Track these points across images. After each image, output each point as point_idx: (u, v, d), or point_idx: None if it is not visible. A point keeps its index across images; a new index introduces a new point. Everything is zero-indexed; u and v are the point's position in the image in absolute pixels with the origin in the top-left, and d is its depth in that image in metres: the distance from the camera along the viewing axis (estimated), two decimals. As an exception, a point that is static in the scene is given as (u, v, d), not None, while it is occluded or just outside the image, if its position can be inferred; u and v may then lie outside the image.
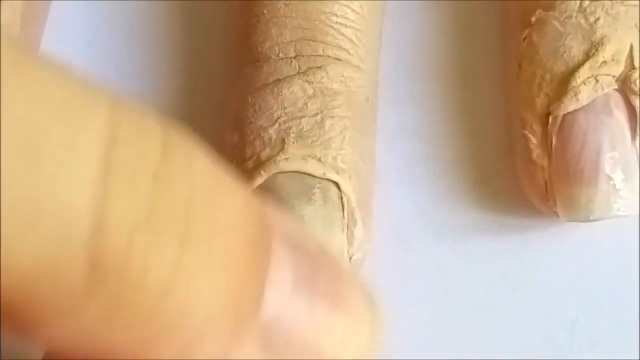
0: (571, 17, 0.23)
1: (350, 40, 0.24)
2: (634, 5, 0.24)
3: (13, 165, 0.13)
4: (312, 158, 0.23)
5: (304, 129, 0.23)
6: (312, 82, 0.23)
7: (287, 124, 0.23)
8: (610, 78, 0.23)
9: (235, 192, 0.16)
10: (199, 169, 0.16)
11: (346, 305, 0.18)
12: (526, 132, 0.24)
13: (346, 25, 0.24)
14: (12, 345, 0.24)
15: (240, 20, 0.25)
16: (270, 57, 0.24)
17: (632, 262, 0.24)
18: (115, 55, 0.27)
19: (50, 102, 0.14)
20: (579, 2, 0.24)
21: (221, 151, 0.17)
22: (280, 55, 0.24)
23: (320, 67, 0.23)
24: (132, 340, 0.15)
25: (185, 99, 0.23)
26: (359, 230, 0.23)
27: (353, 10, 0.24)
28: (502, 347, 0.24)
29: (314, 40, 0.24)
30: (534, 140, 0.23)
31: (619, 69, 0.23)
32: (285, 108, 0.23)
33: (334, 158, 0.23)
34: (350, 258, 0.23)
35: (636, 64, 0.23)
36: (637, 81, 0.23)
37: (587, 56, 0.23)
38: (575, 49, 0.23)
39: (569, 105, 0.23)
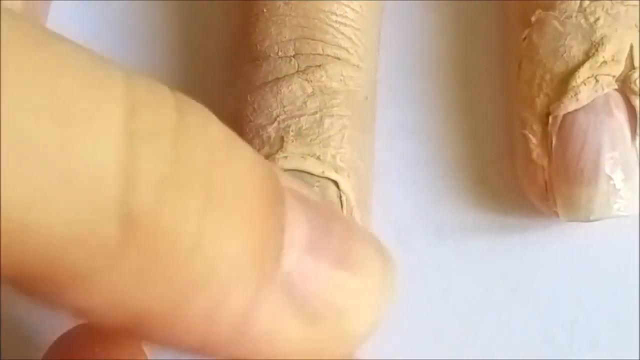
0: (571, 17, 0.23)
1: (350, 39, 0.24)
2: (634, 5, 0.24)
3: (44, 129, 0.14)
4: (311, 156, 0.23)
5: (303, 128, 0.23)
6: (312, 81, 0.23)
7: (286, 123, 0.23)
8: (610, 78, 0.23)
9: (247, 150, 0.17)
10: (213, 130, 0.16)
11: (358, 264, 0.18)
12: (526, 132, 0.24)
13: (345, 24, 0.24)
14: (12, 345, 0.24)
15: (239, 18, 0.25)
16: (270, 55, 0.24)
17: (632, 262, 0.24)
18: (115, 55, 0.27)
19: (73, 70, 0.15)
20: (579, 2, 0.24)
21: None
22: (280, 53, 0.24)
23: (319, 66, 0.23)
24: (165, 295, 0.16)
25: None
26: (358, 229, 0.23)
27: (352, 9, 0.24)
28: (502, 347, 0.24)
29: (313, 39, 0.24)
30: (534, 140, 0.23)
31: (619, 69, 0.23)
32: (284, 106, 0.23)
33: (333, 157, 0.23)
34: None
35: (636, 64, 0.23)
36: (637, 81, 0.23)
37: (587, 56, 0.23)
38: (575, 49, 0.23)
39: (569, 105, 0.23)
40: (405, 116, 0.26)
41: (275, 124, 0.23)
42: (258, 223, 0.17)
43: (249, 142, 0.23)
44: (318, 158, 0.23)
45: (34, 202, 0.14)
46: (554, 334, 0.24)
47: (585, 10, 0.23)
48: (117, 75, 0.15)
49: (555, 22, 0.24)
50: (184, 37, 0.27)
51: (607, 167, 0.22)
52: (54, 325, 0.22)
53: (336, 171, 0.23)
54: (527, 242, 0.25)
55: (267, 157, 0.22)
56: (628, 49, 0.23)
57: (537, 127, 0.23)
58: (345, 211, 0.22)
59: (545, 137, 0.23)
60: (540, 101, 0.23)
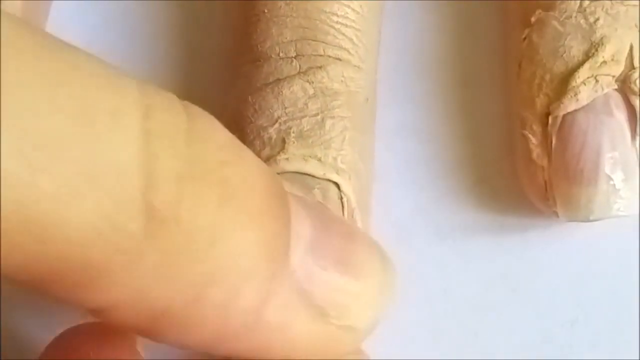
0: (571, 17, 0.23)
1: (351, 40, 0.24)
2: (634, 5, 0.23)
3: (69, 127, 0.15)
4: (313, 158, 0.23)
5: (305, 129, 0.23)
6: (313, 82, 0.23)
7: (287, 124, 0.23)
8: (610, 78, 0.23)
9: (251, 152, 0.18)
10: (221, 132, 0.17)
11: (358, 264, 0.19)
12: (526, 132, 0.24)
13: (346, 25, 0.24)
14: (12, 345, 0.24)
15: (240, 19, 0.25)
16: (271, 56, 0.24)
17: (632, 262, 0.24)
18: (115, 55, 0.27)
19: (92, 75, 0.15)
20: (578, 2, 0.24)
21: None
22: (281, 54, 0.24)
23: (320, 67, 0.23)
24: (183, 289, 0.16)
25: (184, 98, 0.23)
26: (358, 230, 0.23)
27: (353, 10, 0.24)
28: (502, 347, 0.24)
29: (314, 40, 0.24)
30: (534, 140, 0.23)
31: (618, 69, 0.23)
32: (285, 108, 0.23)
33: (334, 158, 0.23)
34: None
35: (636, 64, 0.23)
36: (637, 81, 0.23)
37: (587, 56, 0.23)
38: (575, 49, 0.23)
39: (569, 105, 0.23)
40: (405, 116, 0.26)
41: (277, 125, 0.23)
42: (268, 220, 0.17)
43: (250, 143, 0.23)
44: (319, 160, 0.23)
45: (60, 199, 0.14)
46: (554, 334, 0.24)
47: (585, 10, 0.23)
48: (131, 81, 0.16)
49: (555, 22, 0.24)
50: (184, 37, 0.27)
51: (607, 167, 0.22)
52: (54, 326, 0.22)
53: (337, 173, 0.23)
54: (527, 242, 0.25)
55: (269, 158, 0.22)
56: (628, 49, 0.23)
57: (537, 127, 0.23)
58: (346, 213, 0.22)
59: (545, 137, 0.23)
60: (540, 101, 0.23)
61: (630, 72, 0.23)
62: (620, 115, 0.23)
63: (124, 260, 0.16)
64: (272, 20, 0.24)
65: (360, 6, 0.24)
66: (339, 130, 0.23)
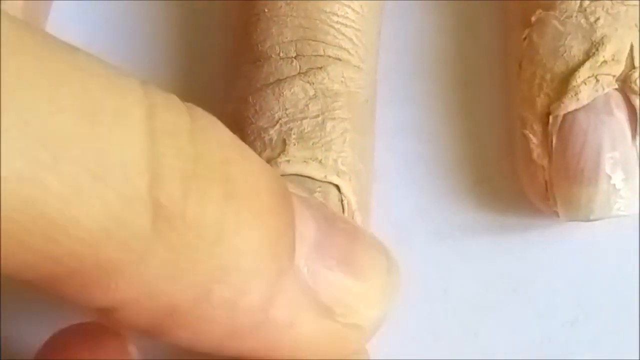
0: (571, 16, 0.23)
1: (351, 40, 0.24)
2: (634, 5, 0.23)
3: (76, 126, 0.15)
4: (313, 160, 0.22)
5: (305, 131, 0.23)
6: (313, 83, 0.23)
7: (288, 125, 0.23)
8: (611, 78, 0.23)
9: (253, 152, 0.19)
10: (223, 132, 0.18)
11: (362, 264, 0.20)
12: (526, 132, 0.24)
13: (347, 25, 0.24)
14: (12, 345, 0.24)
15: (240, 18, 0.25)
16: (271, 56, 0.24)
17: (632, 262, 0.24)
18: (115, 55, 0.27)
19: (97, 75, 0.16)
20: (579, 2, 0.24)
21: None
22: (281, 54, 0.24)
23: (321, 68, 0.23)
24: (192, 287, 0.17)
25: (184, 99, 0.23)
26: (359, 232, 0.23)
27: (353, 10, 0.24)
28: (502, 347, 0.24)
29: (314, 40, 0.24)
30: (534, 140, 0.23)
31: (619, 69, 0.23)
32: (286, 109, 0.23)
33: (335, 160, 0.23)
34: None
35: (636, 64, 0.23)
36: (638, 81, 0.23)
37: (588, 56, 0.23)
38: (575, 48, 0.23)
39: (569, 104, 0.23)
40: (405, 116, 0.26)
41: (277, 126, 0.23)
42: (272, 218, 0.18)
43: (251, 144, 0.23)
44: (320, 162, 0.23)
45: (68, 198, 0.15)
46: (554, 334, 0.24)
47: (585, 10, 0.23)
48: (133, 80, 0.16)
49: (556, 22, 0.24)
50: (184, 37, 0.27)
51: (607, 166, 0.22)
52: (52, 327, 0.21)
53: (338, 175, 0.23)
54: (527, 242, 0.25)
55: (269, 160, 0.22)
56: (628, 48, 0.23)
57: (537, 127, 0.23)
58: (347, 215, 0.22)
59: (546, 137, 0.23)
60: (541, 101, 0.23)
61: (630, 72, 0.23)
62: (620, 115, 0.23)
63: (132, 258, 0.16)
64: (273, 20, 0.24)
65: (360, 6, 0.24)
66: (339, 132, 0.23)
